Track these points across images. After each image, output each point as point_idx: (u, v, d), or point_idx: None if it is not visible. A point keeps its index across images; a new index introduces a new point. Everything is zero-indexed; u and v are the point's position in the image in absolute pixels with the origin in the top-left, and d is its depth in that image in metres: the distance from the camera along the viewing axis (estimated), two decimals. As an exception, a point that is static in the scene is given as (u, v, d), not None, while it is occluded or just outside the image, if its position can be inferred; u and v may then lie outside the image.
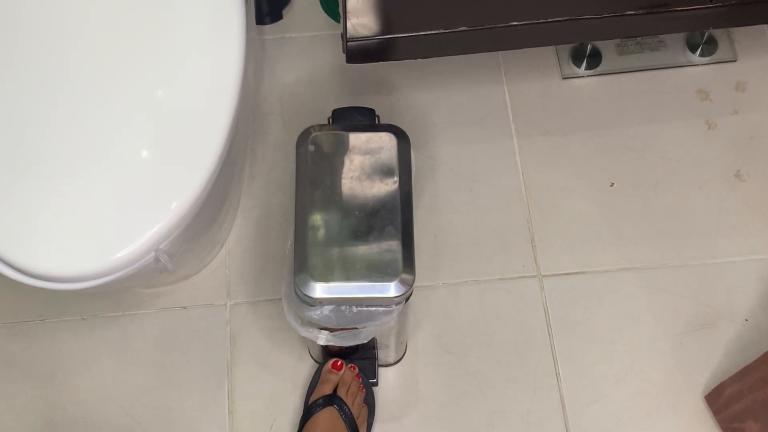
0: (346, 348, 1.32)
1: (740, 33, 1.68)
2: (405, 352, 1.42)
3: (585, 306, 1.47)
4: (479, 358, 1.43)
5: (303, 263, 1.11)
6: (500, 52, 1.66)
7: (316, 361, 1.40)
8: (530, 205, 1.54)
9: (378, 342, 1.31)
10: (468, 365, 1.42)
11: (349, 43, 1.32)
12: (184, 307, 1.46)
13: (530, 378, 1.41)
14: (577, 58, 1.65)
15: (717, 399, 1.36)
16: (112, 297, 1.46)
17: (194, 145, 1.07)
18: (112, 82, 1.08)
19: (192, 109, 1.08)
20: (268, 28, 1.68)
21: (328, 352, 1.35)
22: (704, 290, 1.48)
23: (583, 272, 1.49)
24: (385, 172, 1.27)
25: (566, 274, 1.49)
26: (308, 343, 1.38)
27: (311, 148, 1.22)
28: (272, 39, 1.67)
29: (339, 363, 1.33)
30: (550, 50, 1.67)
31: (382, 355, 1.37)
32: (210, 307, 1.45)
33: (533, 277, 1.49)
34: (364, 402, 1.34)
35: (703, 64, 1.66)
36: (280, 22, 1.68)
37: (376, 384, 1.37)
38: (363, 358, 1.35)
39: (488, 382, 1.41)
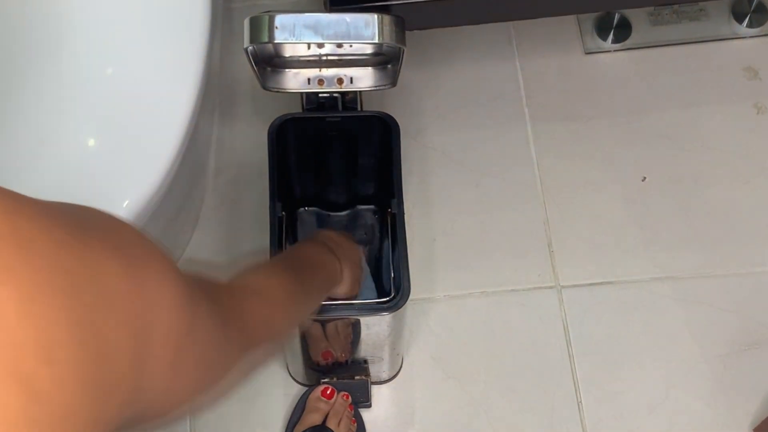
0: (334, 365, 1.33)
1: (794, 0, 1.69)
2: (401, 368, 1.42)
3: (611, 322, 1.47)
4: (486, 384, 1.43)
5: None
6: (512, 23, 1.67)
7: (297, 383, 1.40)
8: (547, 203, 1.55)
9: (371, 356, 1.32)
10: (473, 392, 1.43)
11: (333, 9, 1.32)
12: (138, 325, 1.45)
13: (547, 408, 1.42)
14: (602, 29, 1.66)
15: (767, 432, 1.37)
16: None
17: (150, 133, 1.07)
18: (52, 57, 1.08)
19: (148, 90, 1.08)
20: (237, -7, 1.68)
21: (315, 369, 1.35)
22: (752, 304, 1.48)
23: (610, 282, 1.50)
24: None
25: (589, 284, 1.50)
26: (288, 362, 1.39)
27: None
28: (242, 7, 1.67)
29: (330, 390, 1.33)
30: (570, 20, 1.68)
31: (375, 370, 1.37)
32: (168, 324, 1.45)
33: (551, 288, 1.49)
34: None
35: (751, 37, 1.67)
36: (251, -14, 1.68)
37: (369, 406, 1.38)
38: (353, 377, 1.36)
39: (497, 413, 1.41)
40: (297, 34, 1.07)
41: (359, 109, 1.28)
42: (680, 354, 1.45)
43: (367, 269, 1.37)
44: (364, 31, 1.08)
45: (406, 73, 1.61)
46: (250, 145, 1.56)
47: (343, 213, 1.46)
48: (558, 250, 1.51)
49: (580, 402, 1.42)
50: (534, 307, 1.48)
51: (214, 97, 1.46)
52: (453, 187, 1.55)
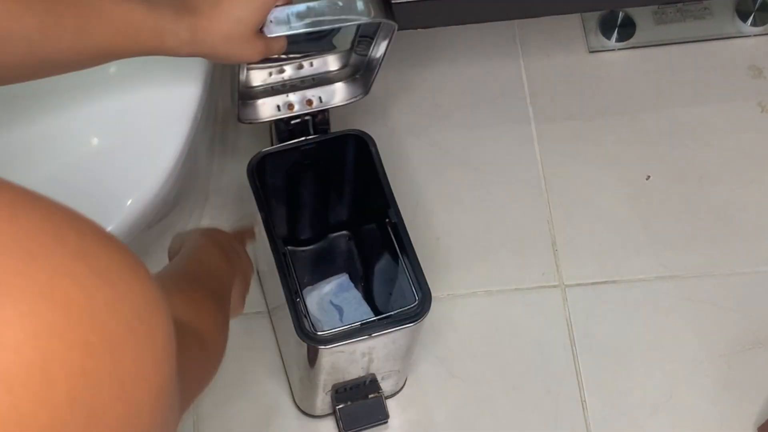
0: (347, 391, 1.31)
1: (799, -2, 1.69)
2: (406, 378, 1.42)
3: (615, 321, 1.47)
4: (491, 384, 1.43)
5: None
6: (516, 21, 1.66)
7: (305, 414, 1.39)
8: (551, 203, 1.54)
9: (388, 371, 1.30)
10: (478, 392, 1.43)
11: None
12: (142, 323, 1.45)
13: (551, 407, 1.42)
14: (606, 28, 1.65)
15: (772, 431, 1.36)
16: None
17: (154, 131, 1.07)
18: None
19: (152, 88, 1.08)
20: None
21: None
22: (756, 303, 1.48)
23: (614, 281, 1.50)
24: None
25: (593, 283, 1.50)
26: (294, 392, 1.38)
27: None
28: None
29: None
30: (574, 19, 1.68)
31: (387, 385, 1.36)
32: (172, 323, 1.45)
33: (555, 287, 1.49)
34: None
35: (755, 35, 1.67)
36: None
37: (387, 422, 1.36)
38: (367, 396, 1.34)
39: (502, 412, 1.41)
40: (293, 25, 0.98)
41: (330, 129, 1.23)
42: (684, 353, 1.45)
43: (357, 293, 1.37)
44: (356, 8, 1.01)
45: (411, 73, 1.61)
46: (255, 140, 1.54)
47: (316, 246, 1.43)
48: (562, 249, 1.51)
49: (584, 401, 1.42)
50: (538, 307, 1.48)
51: (219, 91, 1.45)
52: (456, 186, 1.55)
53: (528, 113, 1.61)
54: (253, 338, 1.43)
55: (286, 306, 1.13)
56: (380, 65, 1.14)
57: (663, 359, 1.45)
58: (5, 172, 1.03)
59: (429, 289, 1.13)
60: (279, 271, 1.14)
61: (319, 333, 1.11)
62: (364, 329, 1.13)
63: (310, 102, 1.17)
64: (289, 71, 1.12)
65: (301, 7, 1.00)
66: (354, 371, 1.25)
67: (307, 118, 1.20)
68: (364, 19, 1.02)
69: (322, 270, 1.42)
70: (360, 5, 1.01)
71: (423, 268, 1.15)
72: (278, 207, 1.32)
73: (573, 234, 1.52)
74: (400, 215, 1.18)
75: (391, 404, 1.40)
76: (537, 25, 1.66)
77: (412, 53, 1.64)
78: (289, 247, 1.40)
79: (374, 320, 1.15)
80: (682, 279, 1.49)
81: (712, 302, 1.48)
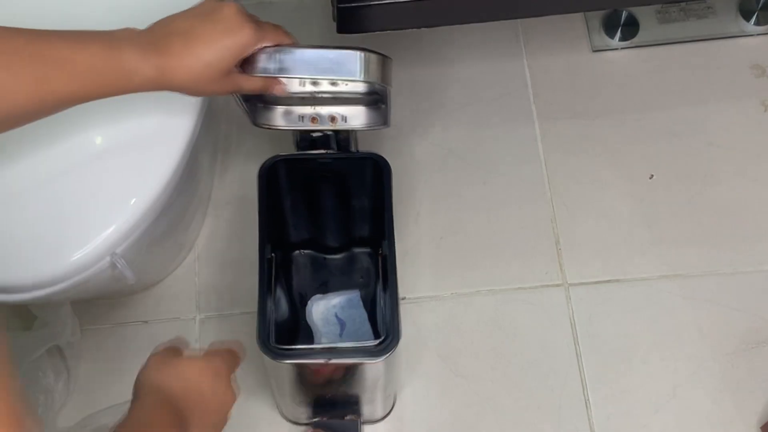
0: (324, 406, 1.31)
1: (803, -3, 1.69)
2: (393, 405, 1.40)
3: (619, 320, 1.47)
4: (494, 382, 1.43)
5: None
6: (520, 20, 1.66)
7: (287, 420, 1.39)
8: (554, 201, 1.54)
9: (362, 397, 1.30)
10: (481, 391, 1.42)
11: (340, 7, 1.31)
12: (146, 322, 1.45)
13: (554, 406, 1.41)
14: (610, 27, 1.65)
15: (775, 430, 1.36)
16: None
17: (158, 130, 1.07)
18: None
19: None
20: (244, -9, 1.67)
21: (307, 403, 1.34)
22: (760, 302, 1.48)
23: (617, 280, 1.49)
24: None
25: (597, 282, 1.49)
26: (276, 399, 1.37)
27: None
28: (249, 5, 1.66)
29: None
30: (578, 18, 1.67)
31: (368, 411, 1.35)
32: (176, 322, 1.45)
33: (558, 286, 1.49)
34: None
35: (758, 34, 1.67)
36: (258, -17, 1.67)
37: None
38: (344, 416, 1.34)
39: (505, 411, 1.41)
40: (275, 70, 0.99)
41: (353, 148, 1.24)
42: (688, 352, 1.45)
43: (363, 313, 1.38)
44: (347, 68, 1.01)
45: (415, 71, 1.61)
46: (257, 142, 1.55)
47: (339, 256, 1.44)
48: (565, 247, 1.51)
49: (588, 400, 1.42)
50: (541, 305, 1.48)
51: (221, 104, 1.45)
52: (460, 184, 1.55)
53: (531, 112, 1.61)
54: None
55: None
56: (389, 104, 1.13)
57: (666, 358, 1.44)
58: (10, 171, 1.04)
59: (399, 331, 1.11)
60: (259, 275, 1.15)
61: (277, 346, 1.11)
62: (323, 354, 1.12)
63: (333, 119, 1.16)
64: (323, 84, 1.11)
65: (288, 54, 0.99)
66: (325, 390, 1.25)
67: (329, 133, 1.20)
68: (354, 78, 1.01)
69: (339, 282, 1.42)
70: (350, 65, 1.01)
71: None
72: (296, 212, 1.33)
73: (576, 233, 1.52)
74: (393, 250, 1.17)
75: (378, 428, 1.39)
76: (540, 24, 1.66)
77: (415, 52, 1.64)
78: (310, 252, 1.43)
79: (336, 347, 1.14)
80: (686, 278, 1.49)
81: (716, 301, 1.47)
